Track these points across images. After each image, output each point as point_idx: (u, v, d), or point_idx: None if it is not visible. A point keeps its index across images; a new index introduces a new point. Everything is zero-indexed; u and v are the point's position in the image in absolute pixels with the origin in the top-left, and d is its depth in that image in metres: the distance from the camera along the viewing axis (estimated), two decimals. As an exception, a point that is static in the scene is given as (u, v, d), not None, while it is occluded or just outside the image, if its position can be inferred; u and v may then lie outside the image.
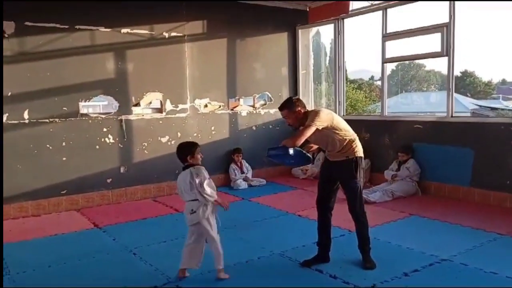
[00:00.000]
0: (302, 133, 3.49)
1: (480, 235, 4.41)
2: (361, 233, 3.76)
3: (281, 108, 3.72)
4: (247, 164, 7.38)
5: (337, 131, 3.61)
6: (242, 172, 7.29)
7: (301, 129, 3.55)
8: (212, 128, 7.24)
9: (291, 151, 3.48)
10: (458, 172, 5.92)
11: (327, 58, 9.06)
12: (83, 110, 6.12)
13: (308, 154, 3.77)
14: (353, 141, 3.68)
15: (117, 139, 6.33)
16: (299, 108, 3.65)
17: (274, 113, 7.91)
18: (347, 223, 4.84)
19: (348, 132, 3.69)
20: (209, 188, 3.42)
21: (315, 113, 3.56)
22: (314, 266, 3.72)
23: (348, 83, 21.11)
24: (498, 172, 5.52)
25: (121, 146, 6.37)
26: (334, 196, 3.85)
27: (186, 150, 3.53)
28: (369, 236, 3.78)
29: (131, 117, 6.43)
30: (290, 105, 3.66)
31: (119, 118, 6.32)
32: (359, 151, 3.71)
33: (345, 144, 3.64)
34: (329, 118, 3.59)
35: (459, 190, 5.93)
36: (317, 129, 3.50)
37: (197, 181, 3.40)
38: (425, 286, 3.30)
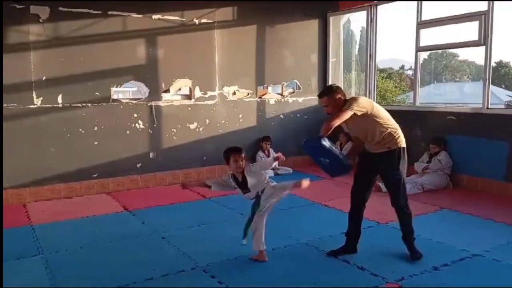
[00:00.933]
0: (338, 116, 3.35)
1: (514, 231, 4.28)
2: (406, 225, 3.64)
3: (320, 95, 3.59)
4: (274, 153, 7.36)
5: (377, 119, 3.45)
6: (269, 160, 7.28)
7: (337, 113, 3.41)
8: (240, 115, 7.24)
9: (325, 143, 3.32)
10: (492, 166, 5.74)
11: (357, 47, 8.89)
12: (114, 96, 6.23)
13: (350, 161, 3.55)
14: (395, 131, 3.52)
15: (147, 124, 6.41)
16: (340, 96, 3.49)
17: (302, 101, 7.84)
18: (376, 215, 4.82)
19: (389, 121, 3.53)
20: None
21: (354, 99, 3.45)
22: (341, 256, 3.70)
23: (378, 72, 20.75)
24: (535, 166, 5.33)
25: (151, 131, 6.46)
26: (370, 188, 3.77)
27: (225, 157, 3.57)
28: (413, 227, 3.67)
29: (161, 103, 6.50)
30: (331, 92, 3.51)
31: (149, 104, 6.40)
32: (402, 141, 3.56)
33: (386, 134, 3.48)
34: (369, 104, 3.45)
35: (492, 184, 5.75)
36: (355, 115, 3.35)
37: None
38: (455, 280, 3.23)
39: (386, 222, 4.61)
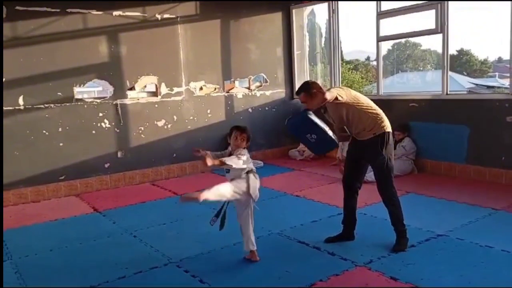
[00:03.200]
0: (317, 97, 3.37)
1: (475, 210, 4.48)
2: (394, 214, 3.62)
3: (298, 93, 3.59)
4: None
5: (359, 105, 3.48)
6: (239, 154, 7.30)
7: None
8: (208, 111, 7.23)
9: (312, 117, 3.31)
10: (454, 150, 5.96)
11: (323, 39, 9.00)
12: (78, 95, 6.09)
13: (334, 136, 3.51)
14: (378, 116, 3.54)
15: (113, 123, 6.32)
16: (315, 90, 3.46)
17: (270, 94, 7.90)
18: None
19: (372, 107, 3.55)
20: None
21: (332, 87, 3.51)
22: (312, 244, 3.78)
23: (344, 64, 21.03)
24: (493, 148, 5.57)
25: (118, 130, 6.37)
26: (361, 176, 3.78)
27: (229, 133, 3.50)
28: (403, 217, 3.63)
29: (127, 101, 6.41)
30: (307, 88, 3.50)
31: (114, 103, 6.30)
32: (387, 126, 3.56)
33: (370, 119, 3.50)
34: (347, 91, 3.49)
35: (455, 167, 5.98)
36: (338, 104, 3.39)
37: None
38: (421, 260, 3.37)
39: (355, 209, 4.72)
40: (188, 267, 3.46)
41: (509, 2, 5.20)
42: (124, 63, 6.34)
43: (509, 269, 3.15)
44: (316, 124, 3.40)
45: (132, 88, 6.46)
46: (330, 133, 3.46)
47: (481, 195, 4.97)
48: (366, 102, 3.58)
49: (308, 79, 8.43)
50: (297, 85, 8.16)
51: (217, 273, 3.35)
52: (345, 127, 3.62)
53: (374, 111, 3.55)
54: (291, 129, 3.65)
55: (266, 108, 7.89)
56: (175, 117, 6.85)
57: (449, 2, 5.79)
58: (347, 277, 3.16)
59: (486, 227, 4.03)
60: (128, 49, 6.34)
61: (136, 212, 5.14)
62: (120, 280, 3.30)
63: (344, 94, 3.47)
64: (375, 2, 6.63)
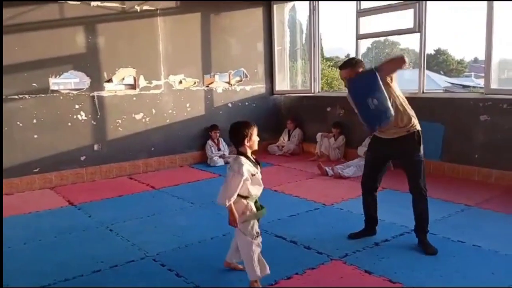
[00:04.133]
0: (396, 59, 3.18)
1: (449, 206, 4.58)
2: (422, 212, 3.50)
3: (343, 67, 3.42)
4: (223, 142, 7.38)
5: (400, 97, 3.34)
6: (219, 149, 7.29)
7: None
8: (187, 105, 7.18)
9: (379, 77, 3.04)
10: (429, 147, 6.03)
11: (304, 35, 9.03)
12: (53, 87, 5.96)
13: (392, 111, 3.16)
14: (413, 114, 3.42)
15: (89, 116, 6.21)
16: (362, 69, 3.34)
17: (250, 89, 7.90)
18: (322, 198, 5.01)
19: (406, 102, 3.40)
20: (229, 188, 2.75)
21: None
22: (290, 238, 3.80)
23: (324, 60, 21.14)
24: (467, 146, 5.70)
25: (94, 123, 6.26)
26: (382, 175, 3.67)
27: (244, 130, 2.85)
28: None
29: (104, 93, 6.31)
30: (353, 64, 3.39)
31: (91, 95, 6.19)
32: (418, 124, 3.44)
33: (407, 117, 3.35)
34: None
35: (430, 164, 6.08)
36: (386, 87, 3.14)
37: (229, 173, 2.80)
38: (394, 253, 3.43)
39: (331, 204, 4.79)
40: (164, 261, 3.44)
41: (485, 3, 5.31)
42: (101, 55, 6.23)
43: (480, 263, 3.24)
44: (381, 87, 3.09)
45: (109, 80, 6.36)
46: (390, 102, 3.15)
47: (455, 192, 5.09)
48: (404, 97, 3.44)
49: (288, 75, 8.48)
50: (277, 81, 8.22)
51: (193, 267, 3.34)
52: None
53: (409, 108, 3.42)
54: (356, 86, 3.29)
55: (246, 103, 7.88)
56: (153, 111, 6.78)
57: (427, 2, 5.89)
58: (323, 271, 3.20)
59: (458, 223, 4.12)
60: (106, 41, 6.24)
61: (112, 205, 5.08)
62: (95, 274, 3.26)
63: (395, 80, 3.30)
64: (355, 1, 6.70)
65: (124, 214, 4.66)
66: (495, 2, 5.22)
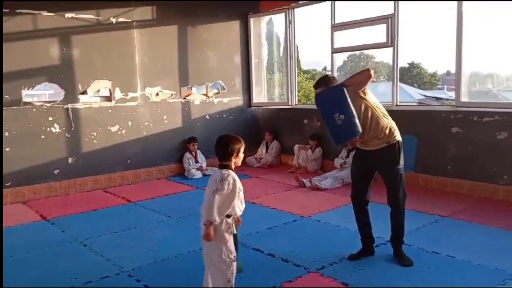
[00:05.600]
0: (362, 73, 3.22)
1: (423, 217, 4.64)
2: (399, 225, 3.51)
3: (316, 86, 3.42)
4: (201, 154, 7.34)
5: (379, 109, 3.34)
6: (197, 162, 7.25)
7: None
8: (164, 117, 7.13)
9: (347, 94, 3.04)
10: (404, 159, 6.17)
11: (281, 48, 9.13)
12: (26, 99, 5.84)
13: (359, 123, 3.16)
14: (392, 125, 3.39)
15: (64, 128, 6.10)
16: (337, 84, 3.33)
17: (227, 102, 7.91)
18: (299, 209, 5.03)
19: (387, 115, 3.39)
20: (215, 204, 2.60)
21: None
22: (267, 251, 3.79)
23: (302, 73, 21.38)
24: (439, 158, 5.83)
25: (68, 136, 6.15)
26: (371, 188, 3.59)
27: (233, 145, 2.75)
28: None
29: (78, 105, 6.22)
30: (327, 82, 3.39)
31: (65, 107, 6.09)
32: (398, 135, 3.40)
33: (385, 128, 3.32)
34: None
35: (404, 176, 6.19)
36: (358, 98, 3.19)
37: (216, 187, 2.62)
38: (370, 265, 3.46)
39: (309, 216, 4.81)
40: (140, 276, 3.39)
41: (455, 17, 5.49)
42: (76, 67, 6.15)
43: (454, 274, 3.29)
44: (349, 102, 3.08)
45: (84, 92, 6.27)
46: (357, 118, 3.14)
47: (428, 203, 5.17)
48: (383, 108, 3.43)
49: (266, 87, 8.53)
50: (255, 93, 8.26)
51: (169, 282, 3.29)
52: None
53: (389, 119, 3.41)
54: (323, 102, 3.28)
55: (224, 115, 7.89)
56: (129, 123, 6.71)
57: (400, 17, 6.05)
58: (300, 283, 3.21)
59: (432, 233, 4.19)
60: (81, 53, 6.17)
61: (87, 220, 4.98)
62: (68, 291, 3.18)
63: (369, 91, 3.32)
64: (329, 15, 6.83)
65: (98, 229, 4.57)
66: (464, 16, 5.38)
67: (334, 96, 3.18)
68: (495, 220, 4.46)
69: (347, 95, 3.13)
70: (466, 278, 3.20)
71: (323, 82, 3.44)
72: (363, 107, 3.30)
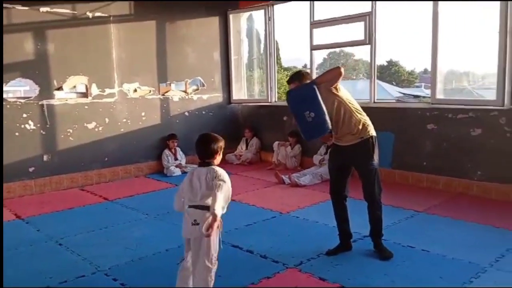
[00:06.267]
0: (332, 70, 3.28)
1: (399, 212, 4.72)
2: (378, 219, 3.57)
3: (290, 81, 3.46)
4: (181, 152, 7.29)
5: (352, 105, 3.39)
6: (176, 159, 7.20)
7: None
8: (143, 113, 7.05)
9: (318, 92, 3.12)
10: (380, 155, 6.22)
11: (261, 45, 9.12)
12: None
13: (329, 120, 3.23)
14: (366, 120, 3.44)
15: (38, 125, 5.97)
16: (308, 81, 3.37)
17: (207, 98, 7.87)
18: (279, 206, 5.04)
19: (360, 110, 3.44)
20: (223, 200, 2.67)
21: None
22: (246, 247, 3.79)
23: (282, 70, 21.44)
24: (416, 154, 5.92)
25: (44, 132, 6.02)
26: (348, 183, 3.64)
27: (217, 144, 2.80)
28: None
29: (54, 101, 6.09)
30: (300, 77, 3.42)
31: (40, 103, 5.96)
32: (372, 130, 3.45)
33: (358, 123, 3.37)
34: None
35: (381, 172, 6.22)
36: (331, 95, 3.27)
37: (219, 183, 2.67)
38: (346, 260, 3.50)
39: (287, 212, 4.83)
40: (117, 275, 3.34)
41: (431, 15, 5.58)
42: (51, 62, 6.02)
43: (429, 268, 3.35)
44: (319, 100, 3.16)
45: (60, 88, 6.14)
46: (327, 116, 3.22)
47: (405, 198, 5.26)
48: (356, 104, 3.48)
49: (245, 84, 8.52)
50: (235, 90, 8.23)
51: (147, 280, 3.26)
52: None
53: (362, 115, 3.45)
54: (294, 99, 3.32)
55: (203, 112, 7.84)
56: (107, 120, 6.61)
57: (377, 15, 6.11)
58: (278, 279, 3.22)
59: (408, 228, 4.27)
60: (56, 47, 6.04)
61: (62, 218, 4.89)
62: (42, 291, 3.12)
63: (342, 87, 3.37)
64: (308, 12, 6.85)
65: (74, 227, 4.49)
66: (440, 15, 5.47)
67: (305, 94, 3.24)
68: (469, 215, 4.57)
69: (318, 93, 3.20)
70: (440, 272, 3.26)
71: (297, 77, 3.49)
72: (336, 103, 3.36)
